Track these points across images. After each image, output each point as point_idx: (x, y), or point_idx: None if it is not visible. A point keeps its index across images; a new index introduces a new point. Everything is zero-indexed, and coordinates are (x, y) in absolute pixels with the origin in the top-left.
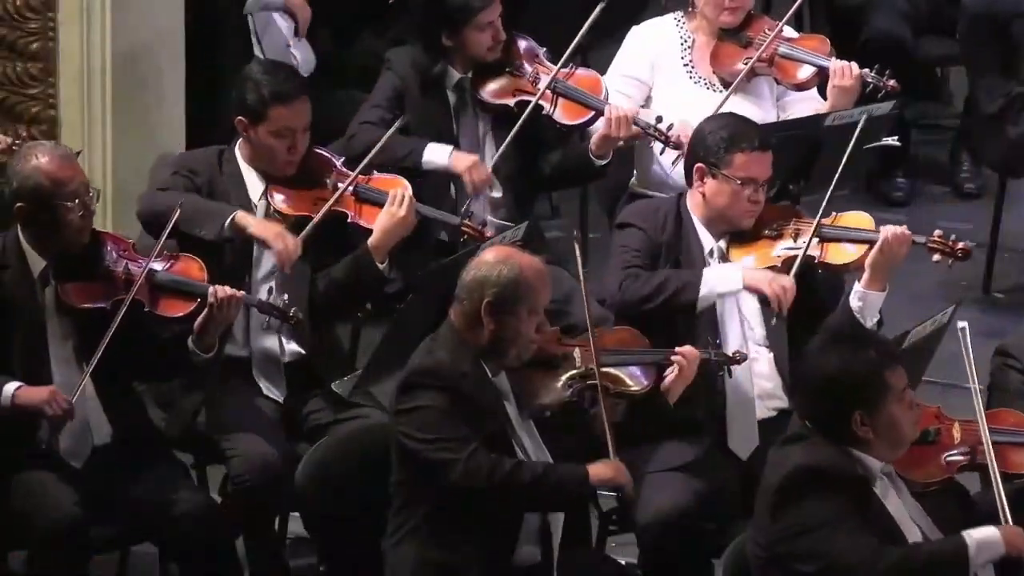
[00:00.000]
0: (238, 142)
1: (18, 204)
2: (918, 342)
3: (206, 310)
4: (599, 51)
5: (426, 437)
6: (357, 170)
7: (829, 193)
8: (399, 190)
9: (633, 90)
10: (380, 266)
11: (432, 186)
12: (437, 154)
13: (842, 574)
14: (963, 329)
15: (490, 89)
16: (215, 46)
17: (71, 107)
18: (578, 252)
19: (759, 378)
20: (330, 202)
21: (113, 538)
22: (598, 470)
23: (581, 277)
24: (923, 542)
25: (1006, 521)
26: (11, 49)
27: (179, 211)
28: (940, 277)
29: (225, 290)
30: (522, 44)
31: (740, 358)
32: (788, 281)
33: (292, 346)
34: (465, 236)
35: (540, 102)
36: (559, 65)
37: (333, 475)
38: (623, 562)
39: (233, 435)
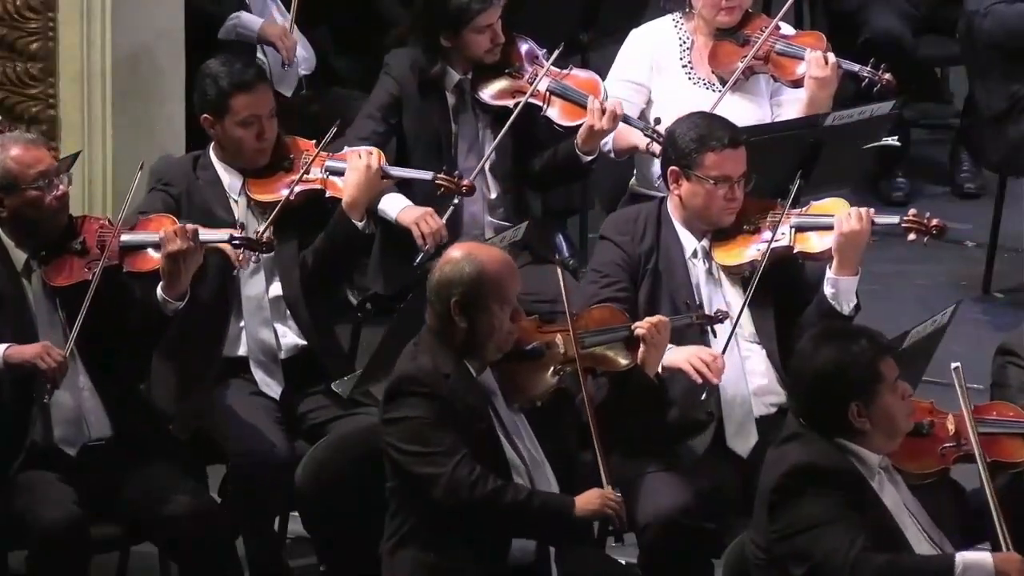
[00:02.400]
0: (212, 144)
1: None
2: (918, 342)
3: (162, 251)
4: (599, 51)
5: (410, 450)
6: (319, 148)
7: (796, 183)
8: (363, 148)
9: (633, 94)
10: (359, 224)
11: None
12: (392, 204)
13: (824, 573)
14: (956, 369)
15: (489, 90)
16: (215, 46)
17: (71, 107)
18: (561, 278)
19: (753, 375)
20: (295, 179)
21: (113, 538)
22: (585, 501)
23: (567, 311)
24: (909, 554)
25: (995, 509)
26: (11, 49)
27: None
28: (940, 277)
29: (174, 224)
30: (523, 46)
31: (721, 316)
32: (707, 353)
33: (289, 339)
34: (442, 190)
35: (536, 102)
36: (549, 63)
37: (333, 475)
38: (623, 562)
39: (233, 433)
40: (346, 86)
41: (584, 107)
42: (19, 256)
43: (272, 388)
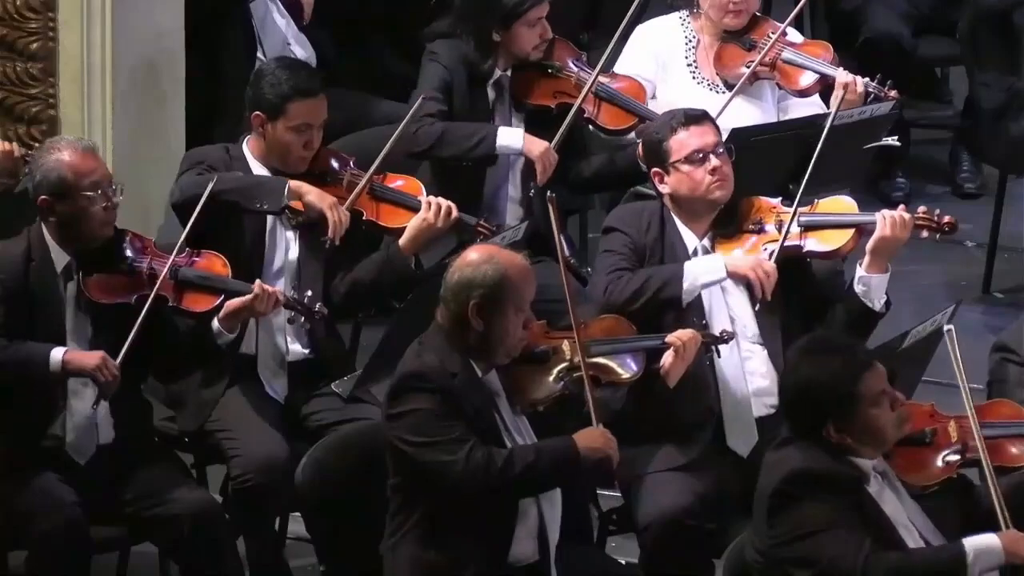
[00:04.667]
0: (245, 140)
1: (41, 197)
2: (917, 342)
3: (248, 299)
4: (600, 51)
5: (421, 441)
6: (372, 167)
7: (805, 181)
8: (439, 200)
9: None
10: (411, 267)
11: (464, 183)
12: (511, 138)
13: None
14: (949, 331)
15: (530, 88)
16: (215, 46)
17: (71, 107)
18: (553, 217)
19: (754, 375)
20: (350, 199)
21: (113, 538)
22: (585, 439)
23: (570, 306)
24: (919, 549)
25: (1003, 516)
26: (11, 49)
27: (214, 184)
28: (940, 277)
29: (268, 287)
30: (564, 47)
31: (727, 337)
32: (770, 266)
33: (297, 347)
34: (481, 237)
35: (583, 106)
36: (599, 68)
37: (333, 475)
38: (623, 562)
39: (235, 434)
40: (346, 86)
41: (630, 112)
42: (60, 256)
43: (277, 391)
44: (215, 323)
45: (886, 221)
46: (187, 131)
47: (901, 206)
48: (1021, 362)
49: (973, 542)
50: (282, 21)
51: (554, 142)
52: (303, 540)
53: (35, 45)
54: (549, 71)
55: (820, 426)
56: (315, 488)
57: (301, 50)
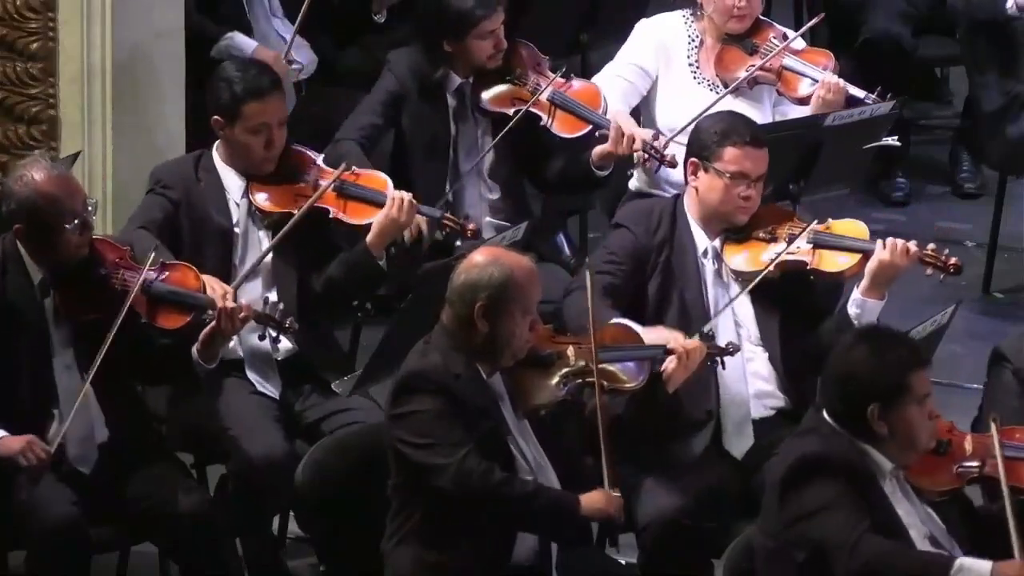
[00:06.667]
0: (216, 144)
1: (16, 225)
2: (918, 343)
3: (212, 323)
4: (599, 51)
5: (418, 442)
6: (340, 169)
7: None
8: (400, 194)
9: (636, 78)
10: (380, 263)
11: (424, 183)
12: None
13: (826, 556)
14: (994, 420)
15: (490, 96)
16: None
17: (71, 107)
18: (588, 281)
19: (755, 377)
20: (311, 200)
21: (113, 538)
22: (590, 500)
23: (590, 308)
24: (915, 549)
25: (1019, 542)
26: (11, 49)
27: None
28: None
29: (230, 301)
30: (525, 52)
31: (733, 349)
32: (692, 343)
33: (285, 343)
34: (447, 230)
35: (537, 112)
36: (555, 76)
37: (333, 476)
38: (623, 562)
39: (233, 433)
40: (346, 86)
41: (584, 119)
42: (36, 269)
43: (270, 389)
44: (194, 353)
45: (886, 246)
46: (187, 131)
47: (914, 242)
48: (1014, 370)
49: (966, 561)
50: (283, 28)
51: (494, 142)
52: (302, 540)
53: (35, 45)
54: (508, 78)
55: (861, 409)
56: (315, 489)
57: (302, 55)
